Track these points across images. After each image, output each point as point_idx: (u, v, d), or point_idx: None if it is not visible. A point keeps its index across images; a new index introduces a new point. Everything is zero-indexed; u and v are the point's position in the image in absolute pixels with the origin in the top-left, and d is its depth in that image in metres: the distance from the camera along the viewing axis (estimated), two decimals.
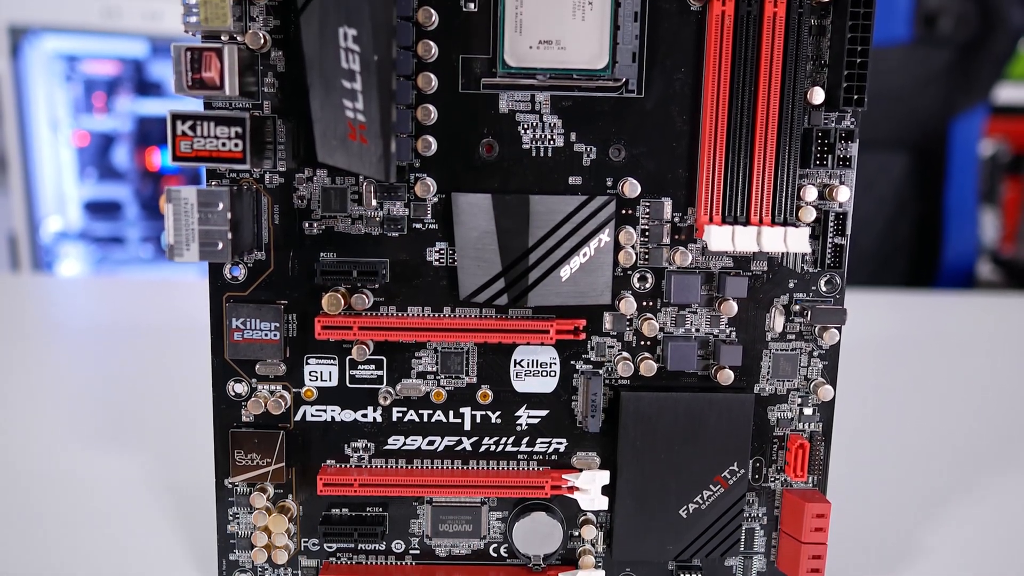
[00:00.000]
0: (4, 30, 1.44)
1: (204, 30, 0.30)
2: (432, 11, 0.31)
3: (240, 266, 0.33)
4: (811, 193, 0.32)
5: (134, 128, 1.74)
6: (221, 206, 0.29)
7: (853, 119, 0.32)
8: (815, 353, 0.34)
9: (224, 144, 0.29)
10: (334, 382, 0.34)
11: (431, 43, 0.31)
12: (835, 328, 0.34)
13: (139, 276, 1.68)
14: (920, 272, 1.30)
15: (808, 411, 0.35)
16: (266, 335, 0.33)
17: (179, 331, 0.75)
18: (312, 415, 0.34)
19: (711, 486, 0.34)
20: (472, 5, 0.31)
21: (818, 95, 0.31)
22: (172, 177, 1.76)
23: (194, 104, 0.31)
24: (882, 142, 1.27)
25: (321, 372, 0.34)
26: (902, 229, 1.30)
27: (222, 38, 0.31)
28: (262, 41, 0.31)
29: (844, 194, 0.32)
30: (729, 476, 0.34)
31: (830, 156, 0.32)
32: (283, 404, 0.34)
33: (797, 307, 0.34)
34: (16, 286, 1.04)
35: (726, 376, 0.33)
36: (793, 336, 0.34)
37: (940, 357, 0.75)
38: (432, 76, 0.31)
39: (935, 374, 0.70)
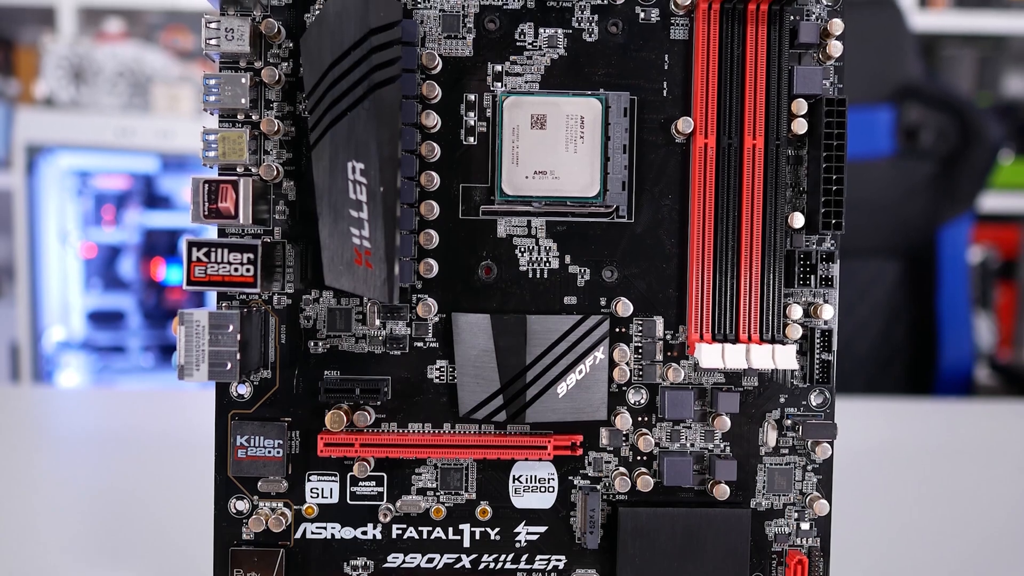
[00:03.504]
0: (21, 148, 1.50)
1: (221, 163, 0.32)
2: (435, 145, 0.33)
3: (246, 384, 0.34)
4: (797, 311, 0.33)
5: (141, 240, 1.78)
6: (231, 328, 0.31)
7: (833, 241, 0.34)
8: (809, 467, 0.35)
9: (236, 269, 0.31)
10: (335, 499, 0.34)
11: (433, 174, 0.33)
12: (827, 442, 0.34)
13: (140, 384, 1.68)
14: (918, 378, 1.30)
15: (805, 526, 0.35)
16: (269, 452, 0.34)
17: (179, 444, 0.75)
18: (312, 532, 0.34)
19: None
20: (472, 139, 0.34)
21: (798, 219, 0.33)
22: (176, 288, 1.78)
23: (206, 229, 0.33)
24: (873, 250, 1.30)
25: (322, 489, 0.34)
26: (897, 335, 1.31)
27: (238, 170, 0.33)
28: (275, 173, 0.33)
29: (828, 312, 0.34)
30: None
31: (813, 276, 0.34)
32: (284, 521, 0.34)
33: (789, 421, 0.35)
34: (15, 398, 1.04)
35: (722, 491, 0.34)
36: (787, 450, 0.35)
37: (939, 467, 0.74)
38: (434, 204, 0.33)
39: (935, 484, 0.70)
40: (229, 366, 0.31)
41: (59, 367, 1.70)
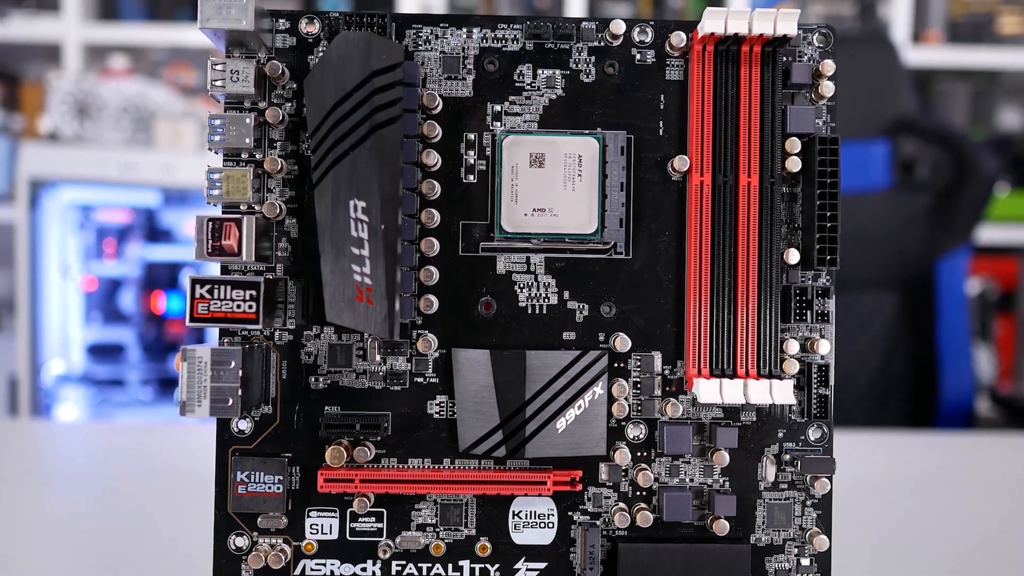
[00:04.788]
0: (25, 182, 1.51)
1: (225, 201, 0.33)
2: (435, 183, 0.34)
3: (247, 420, 0.34)
4: (793, 347, 0.34)
5: (142, 273, 1.79)
6: (233, 364, 0.31)
7: (828, 277, 0.34)
8: (808, 502, 0.35)
9: (239, 306, 0.31)
10: (335, 535, 0.34)
11: (434, 211, 0.34)
12: (826, 477, 0.34)
13: (139, 418, 1.67)
14: (919, 410, 1.30)
15: (805, 561, 0.35)
16: (270, 488, 0.34)
17: (178, 479, 0.75)
18: (312, 569, 0.34)
19: None
20: (472, 177, 0.34)
21: (793, 256, 0.34)
22: (176, 321, 1.79)
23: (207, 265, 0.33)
24: (871, 282, 1.31)
25: (322, 525, 0.34)
26: (897, 367, 1.31)
27: (241, 207, 0.33)
28: (278, 210, 0.33)
29: (825, 347, 0.34)
30: None
31: (809, 311, 0.34)
32: (283, 558, 0.34)
33: (788, 456, 0.35)
34: (13, 432, 1.04)
35: (722, 527, 0.34)
36: (786, 485, 0.35)
37: (941, 501, 0.74)
38: (435, 241, 0.34)
39: (936, 519, 0.69)
40: (231, 402, 0.31)
41: (58, 401, 1.70)
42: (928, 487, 0.79)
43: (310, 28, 0.34)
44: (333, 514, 0.34)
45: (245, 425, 0.34)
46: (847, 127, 1.19)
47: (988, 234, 1.63)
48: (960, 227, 1.35)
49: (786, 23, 0.32)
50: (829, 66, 0.34)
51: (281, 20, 0.34)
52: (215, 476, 0.34)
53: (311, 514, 0.34)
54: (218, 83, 0.32)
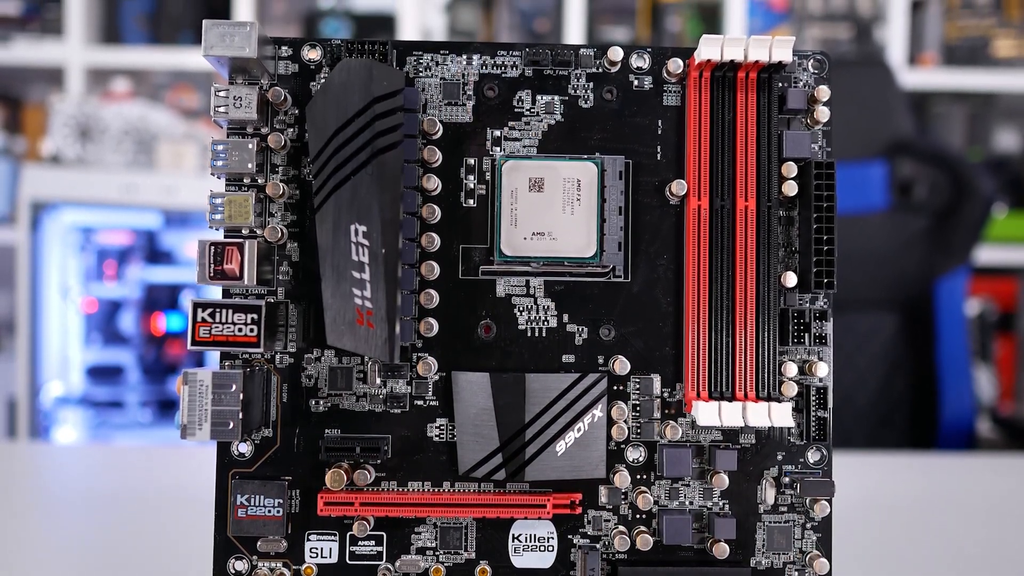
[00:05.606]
0: (27, 204, 1.51)
1: (227, 226, 0.33)
2: (435, 207, 0.34)
3: (247, 443, 0.34)
4: (792, 369, 0.34)
5: (142, 295, 1.79)
6: (234, 387, 0.31)
7: (825, 300, 0.35)
8: (808, 525, 0.35)
9: (240, 329, 0.31)
10: (334, 559, 0.34)
11: (434, 235, 0.34)
12: (825, 500, 0.34)
13: (137, 440, 1.67)
14: (920, 431, 1.30)
15: None
16: (269, 512, 0.34)
17: (177, 502, 0.75)
18: None
19: None
20: (471, 201, 0.35)
21: (791, 279, 0.34)
22: (176, 340, 1.79)
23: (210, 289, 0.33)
24: (871, 303, 1.31)
25: (322, 548, 0.34)
26: (898, 388, 1.31)
27: (243, 231, 0.34)
28: (279, 234, 0.34)
29: (823, 369, 0.34)
30: None
31: (807, 334, 0.34)
32: None
33: (787, 479, 0.35)
34: (11, 454, 1.03)
35: (722, 550, 0.34)
36: (785, 508, 0.35)
37: (942, 523, 0.74)
38: (435, 264, 0.34)
39: (937, 541, 0.69)
40: (231, 425, 0.31)
41: (56, 423, 1.69)
42: (929, 509, 0.78)
43: (312, 55, 0.34)
44: (333, 537, 0.34)
45: (245, 448, 0.34)
46: (845, 148, 1.20)
47: (987, 255, 1.64)
48: (959, 248, 1.35)
49: (781, 50, 0.33)
50: (824, 92, 0.34)
51: (284, 47, 0.34)
52: (215, 499, 0.34)
53: (311, 537, 0.34)
54: (221, 109, 0.33)
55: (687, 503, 0.35)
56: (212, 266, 0.32)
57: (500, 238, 0.34)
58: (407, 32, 1.71)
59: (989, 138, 1.84)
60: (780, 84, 0.35)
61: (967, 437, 1.29)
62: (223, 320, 0.31)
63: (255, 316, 0.31)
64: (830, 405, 0.34)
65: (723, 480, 0.34)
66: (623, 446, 0.34)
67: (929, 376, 1.31)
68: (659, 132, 0.35)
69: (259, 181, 0.34)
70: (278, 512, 0.34)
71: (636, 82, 0.35)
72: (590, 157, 0.35)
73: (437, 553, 0.34)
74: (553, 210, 0.34)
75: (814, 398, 0.34)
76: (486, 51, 0.35)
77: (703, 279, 0.34)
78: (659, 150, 0.35)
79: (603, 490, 0.34)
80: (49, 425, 1.67)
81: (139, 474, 0.90)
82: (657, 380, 0.35)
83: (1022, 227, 1.77)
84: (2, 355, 1.94)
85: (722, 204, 0.34)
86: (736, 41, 0.33)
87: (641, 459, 0.34)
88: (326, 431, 0.34)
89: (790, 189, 0.34)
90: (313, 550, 0.34)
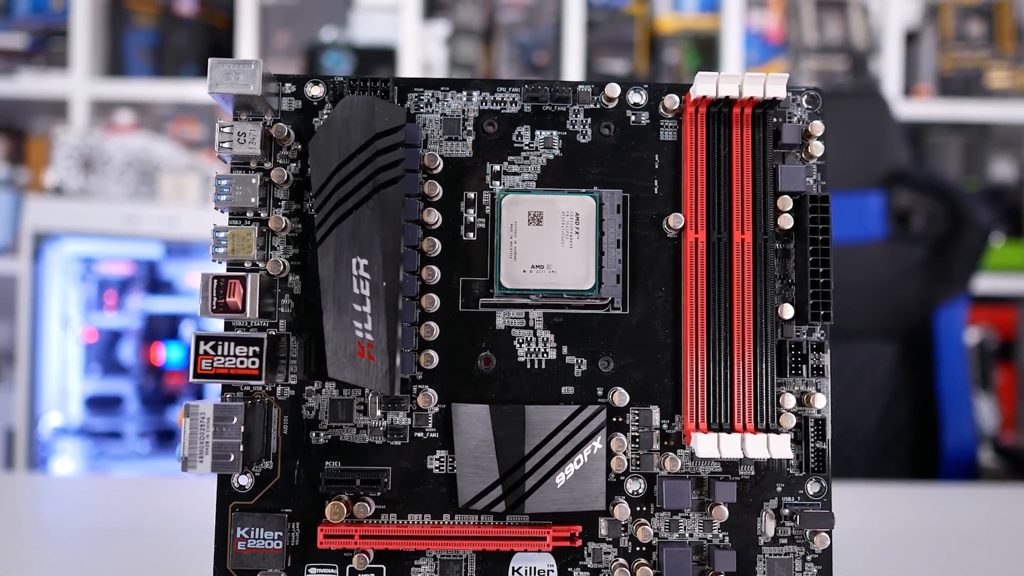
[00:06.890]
0: (29, 235, 1.52)
1: (230, 259, 0.33)
2: (436, 240, 0.35)
3: (248, 475, 0.34)
4: (790, 400, 0.34)
5: (142, 325, 1.79)
6: (235, 420, 0.31)
7: (822, 331, 0.35)
8: (808, 557, 0.35)
9: (242, 362, 0.32)
10: None
11: (434, 268, 0.35)
12: (825, 532, 0.34)
13: (135, 471, 1.66)
14: (922, 461, 1.29)
15: None
16: (269, 544, 0.34)
17: (175, 534, 0.74)
18: None
19: None
20: (471, 235, 0.35)
21: (788, 311, 0.34)
22: (176, 372, 1.78)
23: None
24: (870, 332, 1.31)
25: None
26: (898, 418, 1.30)
27: (246, 265, 0.34)
28: (282, 268, 0.34)
29: (821, 401, 0.34)
30: None
31: (804, 365, 0.35)
32: None
33: (787, 511, 0.35)
34: (8, 486, 1.03)
35: None
36: (785, 540, 0.35)
37: (944, 555, 0.73)
38: (435, 297, 0.35)
39: (940, 573, 0.69)
40: (232, 458, 0.31)
41: (54, 453, 1.69)
42: (931, 541, 0.78)
43: (315, 91, 0.35)
44: (332, 570, 0.34)
45: (246, 481, 0.34)
46: (842, 178, 1.21)
47: (986, 284, 1.64)
48: (957, 277, 1.36)
49: (775, 86, 0.33)
50: (818, 127, 0.35)
51: (288, 84, 0.35)
52: (215, 533, 0.34)
53: (310, 570, 0.34)
54: (225, 145, 0.33)
55: (687, 535, 0.35)
56: (215, 299, 0.32)
57: (500, 271, 0.34)
58: (408, 64, 1.73)
59: (985, 168, 1.85)
60: (775, 119, 0.35)
61: (969, 467, 1.28)
62: (225, 353, 0.32)
63: (257, 349, 0.32)
64: (828, 436, 0.35)
65: (723, 512, 0.34)
66: (623, 478, 0.35)
67: (930, 405, 1.31)
68: (656, 166, 0.35)
69: (262, 215, 0.34)
70: (278, 545, 0.34)
71: (633, 117, 0.36)
72: (588, 191, 0.35)
73: None
74: (552, 243, 0.34)
75: (813, 429, 0.34)
76: (486, 87, 0.36)
77: (701, 311, 0.34)
78: (656, 184, 0.35)
79: (603, 522, 0.34)
80: (47, 456, 1.67)
81: (138, 506, 0.90)
82: (656, 412, 0.35)
83: (1020, 255, 1.77)
84: (1, 385, 1.93)
85: (719, 237, 0.34)
86: (731, 78, 0.33)
87: (641, 491, 0.35)
88: (326, 463, 0.34)
89: (786, 222, 0.34)
90: None
